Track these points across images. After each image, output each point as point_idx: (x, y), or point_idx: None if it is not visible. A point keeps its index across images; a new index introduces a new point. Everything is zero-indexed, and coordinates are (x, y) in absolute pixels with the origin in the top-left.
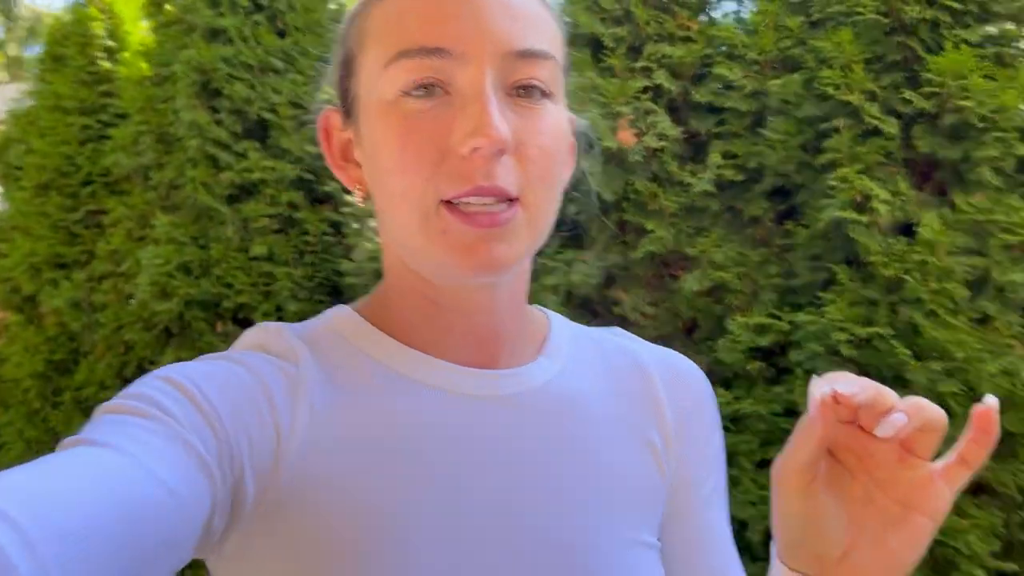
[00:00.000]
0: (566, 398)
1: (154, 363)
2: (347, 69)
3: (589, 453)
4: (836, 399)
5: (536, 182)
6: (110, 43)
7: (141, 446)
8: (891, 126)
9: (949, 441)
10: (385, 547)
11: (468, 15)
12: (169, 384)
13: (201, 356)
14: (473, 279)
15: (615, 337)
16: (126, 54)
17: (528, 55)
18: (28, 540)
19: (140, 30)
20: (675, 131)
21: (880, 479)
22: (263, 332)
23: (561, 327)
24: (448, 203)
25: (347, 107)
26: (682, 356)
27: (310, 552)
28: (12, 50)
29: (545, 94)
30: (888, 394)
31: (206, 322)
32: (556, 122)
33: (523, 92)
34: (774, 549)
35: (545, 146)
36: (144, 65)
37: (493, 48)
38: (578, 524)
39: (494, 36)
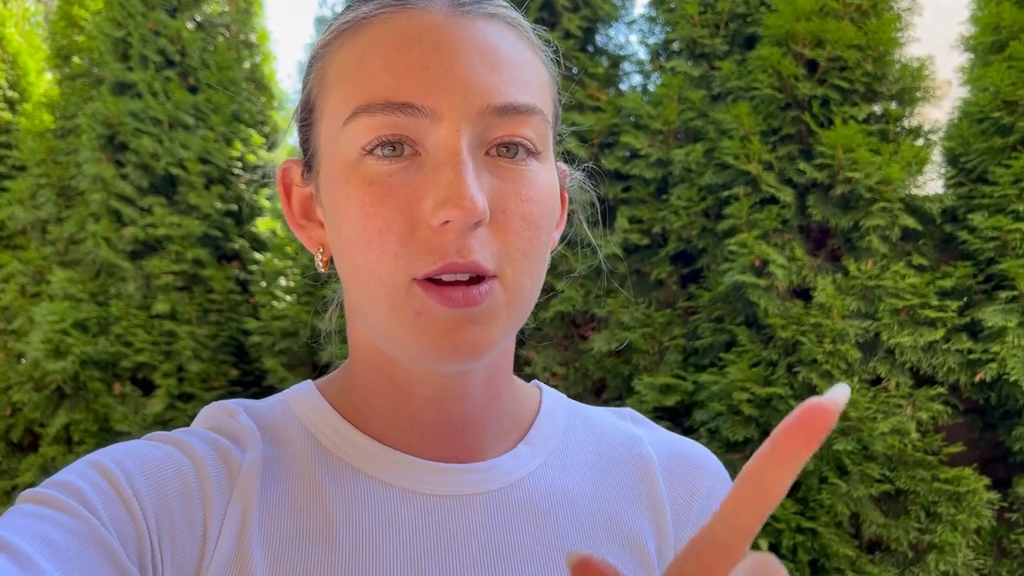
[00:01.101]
0: (543, 496)
1: (44, 426)
2: (307, 116)
3: (561, 557)
4: None
5: (516, 256)
6: (12, 94)
7: (50, 550)
8: (787, 195)
9: (844, 497)
10: None
11: (439, 64)
12: (97, 472)
13: (147, 435)
14: (448, 367)
15: (621, 421)
16: (27, 105)
17: (510, 110)
18: None
19: (44, 82)
20: (585, 195)
21: None
22: (218, 410)
23: (553, 409)
24: (421, 281)
25: (308, 160)
26: (696, 445)
27: None
28: None
29: (531, 152)
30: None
31: (102, 382)
32: (543, 184)
33: (505, 151)
34: None
35: (529, 215)
36: (47, 117)
37: (468, 104)
38: None
39: (470, 90)
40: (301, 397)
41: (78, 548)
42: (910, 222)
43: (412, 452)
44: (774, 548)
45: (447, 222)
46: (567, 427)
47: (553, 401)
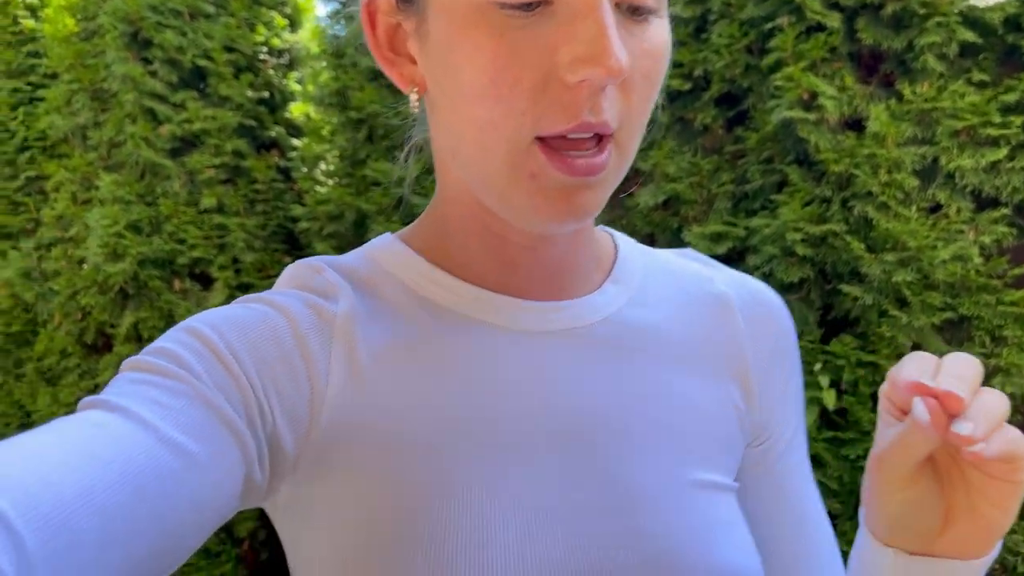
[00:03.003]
0: (635, 329)
1: (114, 327)
2: None
3: (658, 387)
4: (940, 401)
5: (635, 116)
6: (31, 0)
7: (157, 409)
8: (834, 20)
9: (906, 328)
10: (439, 491)
11: None
12: (193, 337)
13: (237, 299)
14: (555, 229)
15: (690, 262)
16: (49, 11)
17: None
18: (8, 526)
19: None
20: None
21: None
22: (302, 268)
23: (630, 251)
24: (542, 139)
25: None
26: (762, 283)
27: (360, 501)
28: None
29: (651, 10)
30: (964, 394)
31: (162, 280)
32: (663, 41)
33: (632, 12)
34: (865, 526)
35: (650, 73)
36: (69, 21)
37: None
38: (644, 463)
39: None
40: (385, 249)
41: (183, 405)
42: (969, 36)
43: (506, 292)
44: (835, 384)
45: (585, 80)
46: (645, 266)
47: (627, 243)
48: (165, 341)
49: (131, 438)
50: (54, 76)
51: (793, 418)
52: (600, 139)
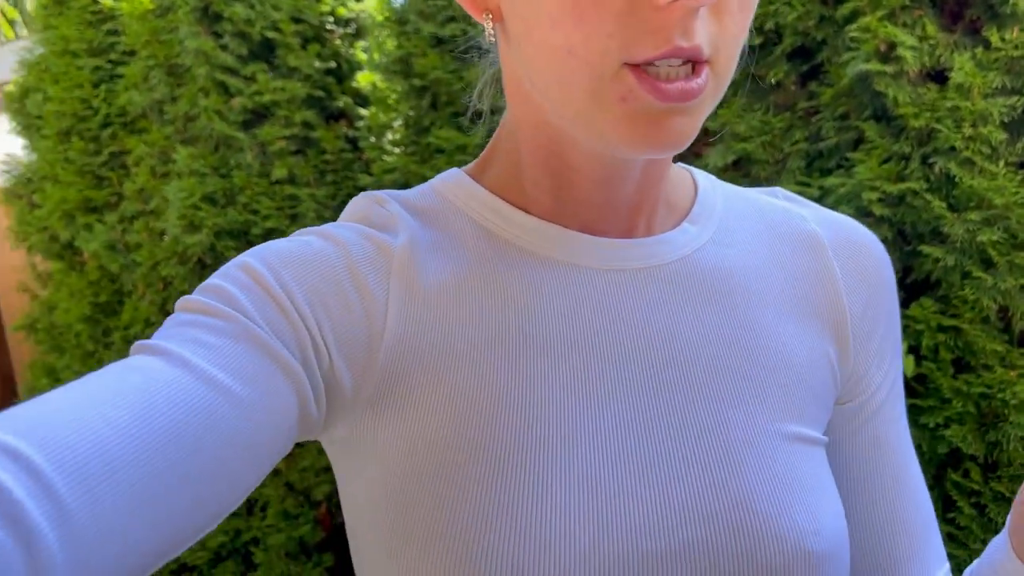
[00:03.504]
0: (717, 269)
1: None
2: None
3: (743, 332)
4: None
5: (730, 41)
6: None
7: (202, 350)
8: None
9: (991, 291)
10: (510, 433)
11: None
12: (245, 273)
13: (296, 232)
14: (645, 155)
15: (778, 201)
16: None
17: None
18: (34, 469)
19: None
20: None
21: None
22: (366, 201)
23: (711, 189)
24: (632, 65)
25: None
26: (858, 225)
27: (425, 438)
28: (29, 4)
29: None
30: None
31: (237, 251)
32: None
33: None
34: (1009, 539)
35: None
36: None
37: None
38: (725, 411)
39: None
40: (451, 183)
41: (231, 344)
42: None
43: (578, 229)
44: (914, 350)
45: (677, 1)
46: (727, 205)
47: (707, 180)
48: (217, 277)
49: (174, 381)
50: (132, 53)
51: (891, 372)
52: (695, 66)
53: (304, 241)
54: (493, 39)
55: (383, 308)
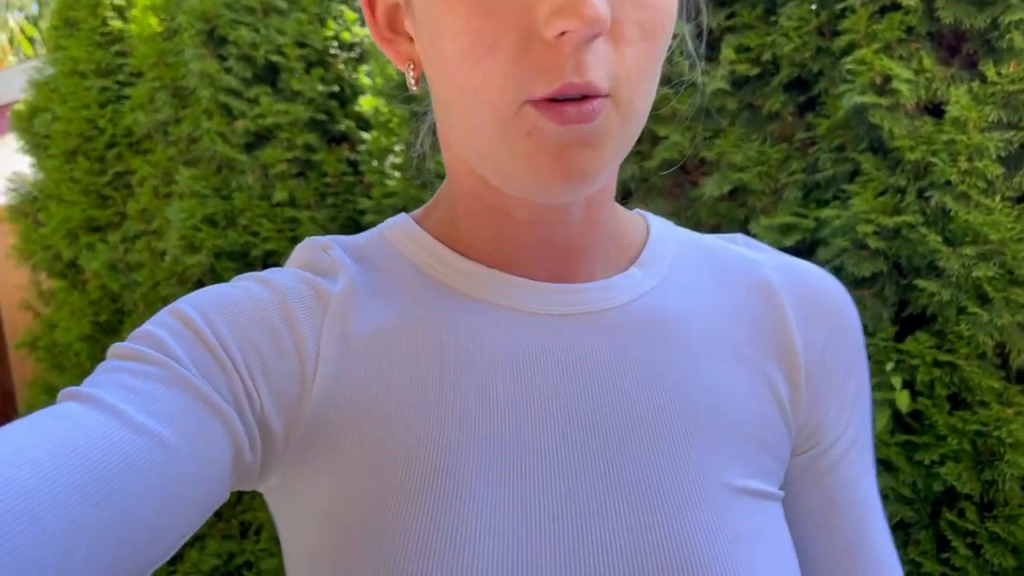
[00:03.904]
0: (661, 317)
1: None
2: None
3: (685, 381)
4: None
5: (633, 73)
6: (119, 1)
7: (131, 395)
8: None
9: (987, 327)
10: (428, 475)
11: None
12: (176, 318)
13: (237, 276)
14: (555, 196)
15: (735, 247)
16: (135, 11)
17: None
18: None
19: None
20: (684, 28)
21: None
22: (309, 247)
23: (663, 234)
24: (533, 102)
25: None
26: (818, 269)
27: (348, 493)
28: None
29: None
30: None
31: (236, 272)
32: None
33: None
34: None
35: (647, 23)
36: (153, 20)
37: None
38: (663, 460)
39: None
40: (397, 228)
41: (162, 390)
42: None
43: (516, 274)
44: (908, 384)
45: (563, 33)
46: (679, 250)
47: (662, 227)
48: (149, 324)
49: (101, 428)
50: (139, 75)
51: (853, 423)
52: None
53: (240, 286)
54: (415, 88)
55: (314, 356)
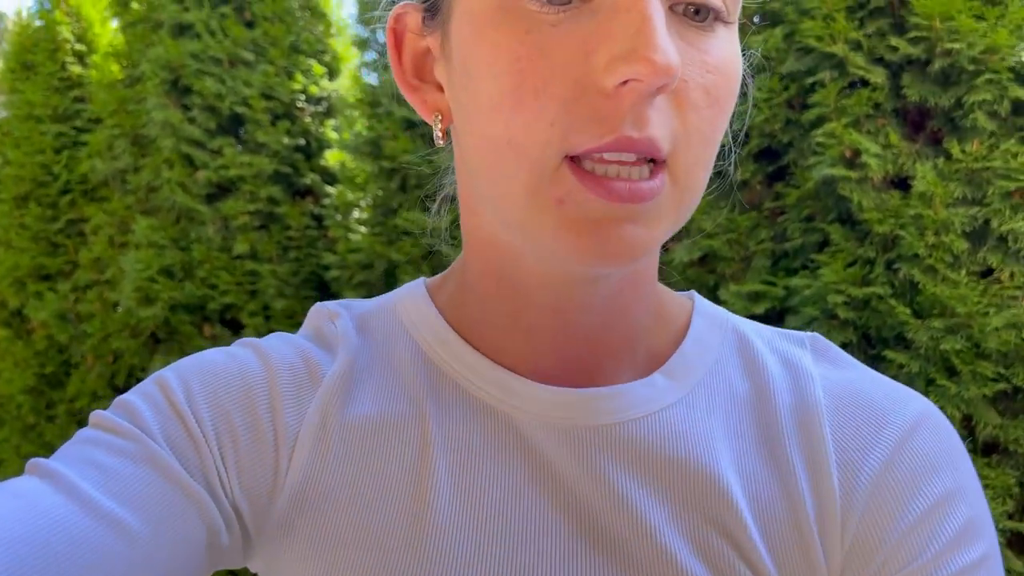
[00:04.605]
0: (676, 439)
1: (144, 370)
2: None
3: (693, 514)
4: None
5: (695, 138)
6: (79, 47)
7: (97, 472)
8: (878, 75)
9: (955, 399)
10: None
11: None
12: (158, 388)
13: (238, 341)
14: (590, 269)
15: (796, 349)
16: (96, 57)
17: None
18: None
19: (109, 31)
20: None
21: None
22: (317, 314)
23: (706, 329)
24: (573, 159)
25: (433, 2)
26: (898, 388)
27: None
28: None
29: (719, 17)
30: None
31: (193, 325)
32: (731, 55)
33: (694, 14)
34: None
35: (714, 89)
36: (115, 67)
37: None
38: None
39: None
40: (410, 301)
41: (130, 467)
42: (1021, 93)
43: (526, 370)
44: None
45: (627, 82)
46: (719, 357)
47: (710, 316)
48: (132, 392)
49: (56, 510)
50: (98, 121)
51: (916, 560)
52: (653, 164)
53: (236, 354)
54: (442, 142)
55: (293, 440)
